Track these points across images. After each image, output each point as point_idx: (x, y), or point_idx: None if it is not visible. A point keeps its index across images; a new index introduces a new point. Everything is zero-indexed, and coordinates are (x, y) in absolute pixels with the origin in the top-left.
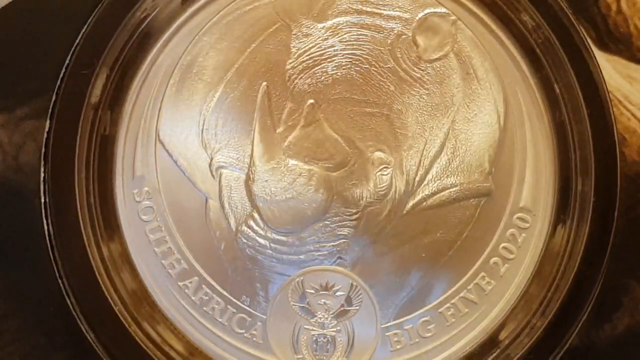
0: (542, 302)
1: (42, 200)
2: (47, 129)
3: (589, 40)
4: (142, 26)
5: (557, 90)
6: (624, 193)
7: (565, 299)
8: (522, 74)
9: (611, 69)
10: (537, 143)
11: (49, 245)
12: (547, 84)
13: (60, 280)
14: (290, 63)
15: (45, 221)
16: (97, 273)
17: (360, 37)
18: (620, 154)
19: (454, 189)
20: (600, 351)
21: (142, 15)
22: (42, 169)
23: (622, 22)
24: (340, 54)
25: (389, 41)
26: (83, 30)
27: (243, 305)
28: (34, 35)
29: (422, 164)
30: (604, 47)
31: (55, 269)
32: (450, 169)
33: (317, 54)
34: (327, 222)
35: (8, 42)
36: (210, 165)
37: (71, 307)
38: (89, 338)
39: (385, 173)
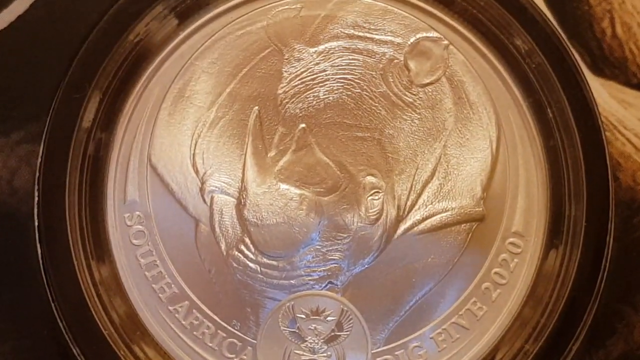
0: (534, 327)
1: (36, 224)
2: (40, 154)
3: (582, 65)
4: (135, 50)
5: (550, 115)
6: (618, 218)
7: (557, 324)
8: (515, 98)
9: (606, 93)
10: (530, 168)
11: (41, 269)
12: (540, 109)
13: (52, 304)
14: (282, 87)
15: (38, 244)
16: (87, 297)
17: (352, 61)
18: (614, 179)
19: (446, 213)
20: None
21: (135, 39)
22: (36, 193)
23: (617, 47)
24: (331, 78)
25: (381, 65)
26: (76, 54)
27: (233, 330)
28: (29, 60)
29: (413, 189)
30: (599, 72)
31: (48, 292)
32: (442, 194)
33: (308, 78)
34: (318, 247)
35: (4, 68)
36: (201, 189)
37: (63, 330)
38: None
39: (376, 198)
